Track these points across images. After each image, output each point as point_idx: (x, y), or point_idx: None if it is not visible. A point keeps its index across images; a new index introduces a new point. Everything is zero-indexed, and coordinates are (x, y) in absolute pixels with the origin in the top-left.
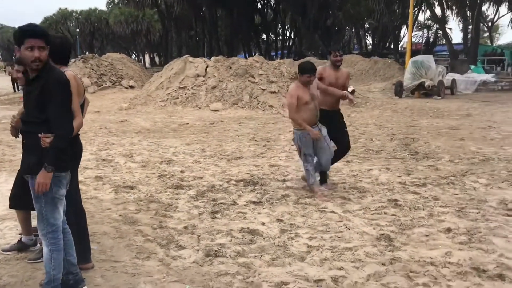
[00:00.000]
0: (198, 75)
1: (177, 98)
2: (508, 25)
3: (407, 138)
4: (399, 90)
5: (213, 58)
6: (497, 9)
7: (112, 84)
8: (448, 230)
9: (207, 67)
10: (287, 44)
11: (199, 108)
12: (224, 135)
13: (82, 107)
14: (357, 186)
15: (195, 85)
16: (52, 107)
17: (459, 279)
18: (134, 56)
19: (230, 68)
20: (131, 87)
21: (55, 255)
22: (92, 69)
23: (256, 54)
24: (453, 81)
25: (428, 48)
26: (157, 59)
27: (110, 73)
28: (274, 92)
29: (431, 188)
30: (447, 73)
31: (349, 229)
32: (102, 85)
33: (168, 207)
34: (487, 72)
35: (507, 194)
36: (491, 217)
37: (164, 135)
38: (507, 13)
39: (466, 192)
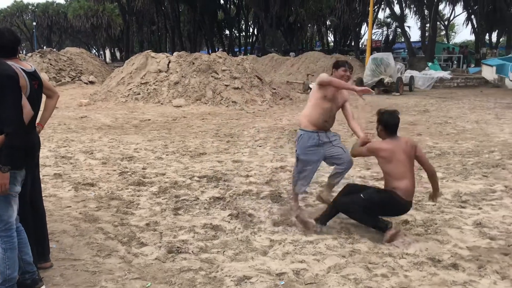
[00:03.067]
0: (160, 71)
1: (139, 94)
2: (463, 24)
3: (366, 133)
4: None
5: (175, 53)
6: (453, 8)
7: (71, 80)
8: (406, 222)
9: (169, 62)
10: (250, 40)
11: (161, 104)
12: (187, 131)
13: (37, 99)
14: (318, 181)
15: (157, 81)
16: None
17: (416, 269)
18: (94, 51)
19: (193, 63)
20: (91, 82)
21: (9, 253)
22: (50, 64)
23: (219, 50)
24: (411, 77)
25: (387, 45)
26: (118, 54)
27: (69, 68)
28: (238, 88)
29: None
30: (405, 70)
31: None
32: (60, 80)
33: (130, 204)
34: (443, 69)
35: (461, 186)
36: (446, 209)
37: (126, 132)
38: (462, 12)
39: (422, 186)
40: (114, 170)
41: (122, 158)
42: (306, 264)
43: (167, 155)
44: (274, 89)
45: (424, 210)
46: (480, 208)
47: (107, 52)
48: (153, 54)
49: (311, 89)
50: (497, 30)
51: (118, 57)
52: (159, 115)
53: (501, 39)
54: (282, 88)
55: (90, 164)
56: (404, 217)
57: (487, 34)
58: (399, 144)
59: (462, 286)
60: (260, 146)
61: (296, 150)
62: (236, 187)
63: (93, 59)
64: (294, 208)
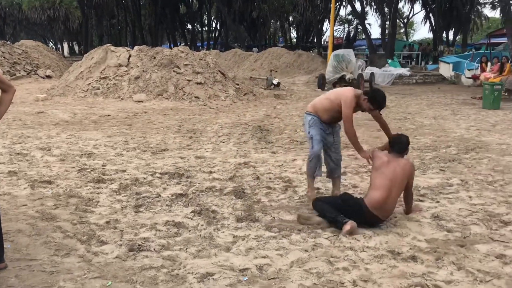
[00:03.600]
0: (120, 65)
1: (98, 88)
2: (422, 21)
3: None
4: (321, 82)
5: (136, 47)
6: (412, 7)
7: (27, 74)
8: None
9: (129, 56)
10: (213, 35)
11: (122, 99)
12: (148, 127)
13: None
14: (282, 176)
15: (117, 75)
16: None
17: (376, 262)
18: (52, 44)
19: (154, 58)
20: (48, 77)
21: None
22: (4, 57)
23: (181, 44)
24: (372, 74)
25: (349, 42)
26: (76, 47)
27: (24, 62)
28: (200, 83)
29: (351, 177)
30: (366, 66)
31: (274, 218)
32: (15, 74)
33: (89, 201)
34: (402, 66)
35: (419, 181)
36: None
37: (84, 127)
38: (421, 10)
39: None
40: (73, 167)
41: (81, 155)
42: (269, 259)
43: (127, 151)
44: (238, 84)
45: None
46: (437, 202)
47: (65, 45)
48: (113, 48)
49: (274, 84)
50: (453, 28)
51: (77, 51)
52: (119, 110)
53: (457, 37)
54: (246, 84)
55: (48, 161)
56: None
57: (444, 32)
58: (396, 162)
59: (420, 278)
60: (223, 142)
61: (309, 132)
62: (199, 183)
63: (50, 52)
64: (313, 196)
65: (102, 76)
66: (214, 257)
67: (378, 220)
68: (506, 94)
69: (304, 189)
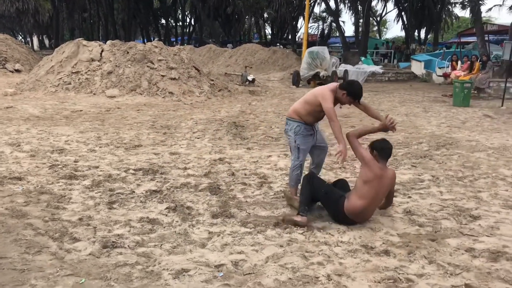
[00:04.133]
0: (92, 60)
1: (70, 83)
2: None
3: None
4: (296, 79)
5: (108, 42)
6: (385, 5)
7: None
8: None
9: (102, 51)
10: (187, 30)
11: (94, 94)
12: (122, 122)
13: None
14: (257, 172)
15: (89, 70)
16: None
17: (350, 256)
18: (21, 37)
19: (128, 53)
20: (17, 71)
21: None
22: None
23: (155, 39)
24: (346, 71)
25: (323, 39)
26: (47, 41)
27: None
28: (174, 78)
29: (325, 172)
30: (340, 64)
31: (249, 214)
32: None
33: (61, 198)
34: (375, 63)
35: None
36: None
37: (56, 123)
38: (394, 9)
39: (356, 176)
40: (44, 163)
41: (52, 151)
42: (245, 255)
43: (100, 147)
44: (212, 80)
45: None
46: (409, 197)
47: (35, 39)
48: (85, 42)
49: (249, 81)
50: (425, 27)
51: (47, 45)
52: (91, 105)
53: (429, 36)
54: (220, 80)
55: (17, 157)
56: None
57: (416, 30)
58: (386, 174)
59: (393, 272)
60: (198, 138)
61: (295, 141)
62: (173, 179)
63: (19, 46)
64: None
65: (74, 71)
66: (189, 253)
67: (353, 223)
68: (475, 92)
69: (279, 185)
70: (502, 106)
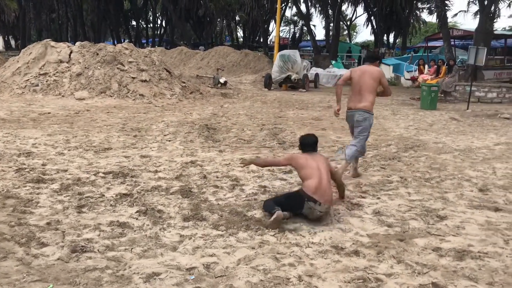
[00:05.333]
0: (61, 61)
1: (37, 85)
2: (364, 24)
3: (275, 128)
4: (268, 82)
5: (78, 43)
6: (355, 9)
7: None
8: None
9: (71, 52)
10: (158, 32)
11: (63, 96)
12: (91, 125)
13: None
14: (229, 175)
15: (57, 72)
16: None
17: (321, 257)
18: None
19: (97, 54)
20: None
21: None
22: None
23: (126, 41)
24: (317, 75)
25: (294, 43)
26: (12, 42)
27: None
28: (145, 80)
29: (296, 175)
30: (311, 67)
31: (221, 216)
32: None
33: (28, 202)
34: (346, 67)
35: (361, 178)
36: (348, 199)
37: (22, 126)
38: (363, 13)
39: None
40: (10, 167)
41: (19, 154)
42: (217, 257)
43: (69, 150)
44: (184, 82)
45: None
46: (378, 198)
47: (0, 39)
48: (53, 43)
49: (221, 83)
50: (394, 32)
51: (13, 46)
52: (60, 108)
53: (397, 40)
54: (192, 82)
55: None
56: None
57: (385, 35)
58: (313, 157)
59: (363, 271)
60: (169, 141)
61: (368, 128)
62: (144, 183)
63: None
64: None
65: (41, 72)
66: (160, 257)
67: (324, 211)
68: (442, 95)
69: (251, 187)
70: (467, 109)
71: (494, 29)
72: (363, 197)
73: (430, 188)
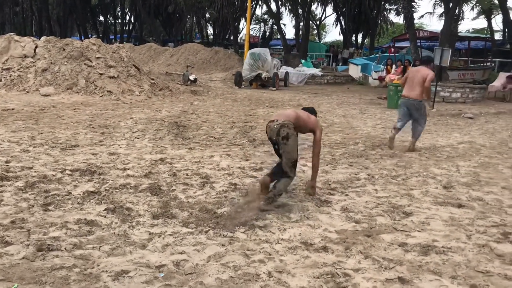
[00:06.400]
0: (25, 56)
1: (0, 80)
2: (333, 24)
3: (246, 126)
4: (238, 80)
5: (43, 38)
6: (324, 9)
7: None
8: (279, 207)
9: (36, 47)
10: (126, 28)
11: (27, 92)
12: (57, 121)
13: None
14: (199, 172)
15: (22, 67)
16: None
17: (290, 253)
18: None
19: (64, 49)
20: None
21: None
22: None
23: (93, 36)
24: (286, 73)
25: (264, 41)
26: None
27: None
28: (113, 77)
29: (267, 172)
30: (281, 66)
31: (191, 214)
32: None
33: None
34: (315, 66)
35: (330, 175)
36: (318, 196)
37: None
38: (333, 13)
39: (296, 175)
40: None
41: None
42: (186, 255)
43: (34, 147)
44: (153, 79)
45: (297, 198)
46: (346, 195)
47: None
48: (17, 37)
49: (191, 80)
50: (362, 32)
51: None
52: (24, 104)
53: (365, 40)
54: (161, 79)
55: None
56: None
57: (354, 35)
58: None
59: (331, 267)
60: (138, 138)
61: (423, 118)
62: (112, 180)
63: None
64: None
65: (4, 67)
66: (129, 255)
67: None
68: None
69: (221, 185)
70: (432, 108)
71: (458, 31)
72: (332, 194)
73: (396, 185)
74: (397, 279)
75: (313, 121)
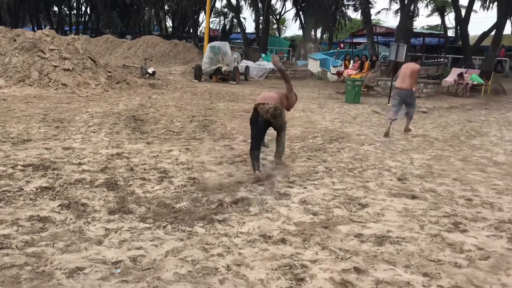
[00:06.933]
0: None
1: None
2: (293, 19)
3: (205, 120)
4: (198, 74)
5: None
6: (284, 4)
7: None
8: (239, 201)
9: None
10: (82, 19)
11: None
12: (8, 115)
13: None
14: (157, 167)
15: None
16: None
17: (249, 246)
18: None
19: (15, 40)
20: None
21: None
22: None
23: (47, 27)
24: (247, 67)
25: (224, 35)
26: None
27: None
28: (68, 69)
29: (227, 166)
30: (241, 59)
31: (149, 209)
32: None
33: None
34: None
35: (289, 168)
36: (277, 189)
37: None
38: (292, 8)
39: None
40: None
41: None
42: (144, 250)
43: None
44: (110, 72)
45: (257, 191)
46: (305, 188)
47: None
48: None
49: (149, 73)
50: (321, 27)
51: None
52: None
53: (324, 35)
54: (119, 72)
55: None
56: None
57: (313, 30)
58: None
59: (289, 259)
60: (94, 132)
61: (414, 103)
62: (67, 175)
63: None
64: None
65: None
66: (84, 251)
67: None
68: (365, 89)
69: (180, 179)
70: (388, 103)
71: (413, 27)
72: (291, 187)
73: (353, 178)
74: (353, 269)
75: (285, 93)
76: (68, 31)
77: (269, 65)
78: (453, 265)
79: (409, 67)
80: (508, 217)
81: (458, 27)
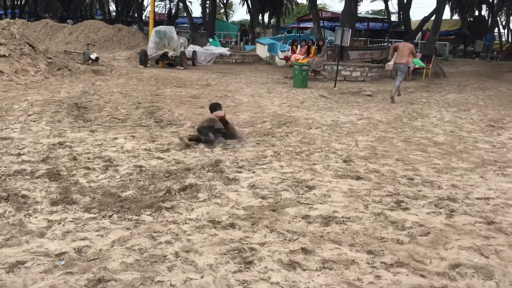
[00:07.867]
0: None
1: None
2: (240, 3)
3: (152, 107)
4: (143, 59)
5: None
6: None
7: None
8: (187, 188)
9: None
10: (18, 2)
11: None
12: None
13: None
14: (102, 156)
15: None
16: None
17: (198, 232)
18: None
19: None
20: None
21: None
22: None
23: None
24: (194, 52)
25: (170, 19)
26: None
27: None
28: (4, 56)
29: (174, 153)
30: (188, 44)
31: (93, 199)
32: None
33: None
34: (223, 46)
35: (239, 153)
36: (226, 174)
37: None
38: None
39: (204, 155)
40: None
41: None
42: (89, 240)
43: None
44: (50, 58)
45: (206, 177)
46: (253, 172)
47: None
48: None
49: (92, 59)
50: (268, 12)
51: None
52: None
53: (272, 20)
54: (60, 58)
55: None
56: (187, 182)
57: (260, 14)
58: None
59: (238, 243)
60: (34, 121)
61: (403, 75)
62: (5, 167)
63: None
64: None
65: None
66: (25, 245)
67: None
68: (312, 74)
69: (126, 167)
70: (334, 87)
71: (358, 12)
72: (240, 172)
73: (300, 161)
74: (300, 250)
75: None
76: (3, 15)
77: (217, 50)
78: (395, 242)
79: (406, 46)
80: (447, 194)
81: (401, 12)
